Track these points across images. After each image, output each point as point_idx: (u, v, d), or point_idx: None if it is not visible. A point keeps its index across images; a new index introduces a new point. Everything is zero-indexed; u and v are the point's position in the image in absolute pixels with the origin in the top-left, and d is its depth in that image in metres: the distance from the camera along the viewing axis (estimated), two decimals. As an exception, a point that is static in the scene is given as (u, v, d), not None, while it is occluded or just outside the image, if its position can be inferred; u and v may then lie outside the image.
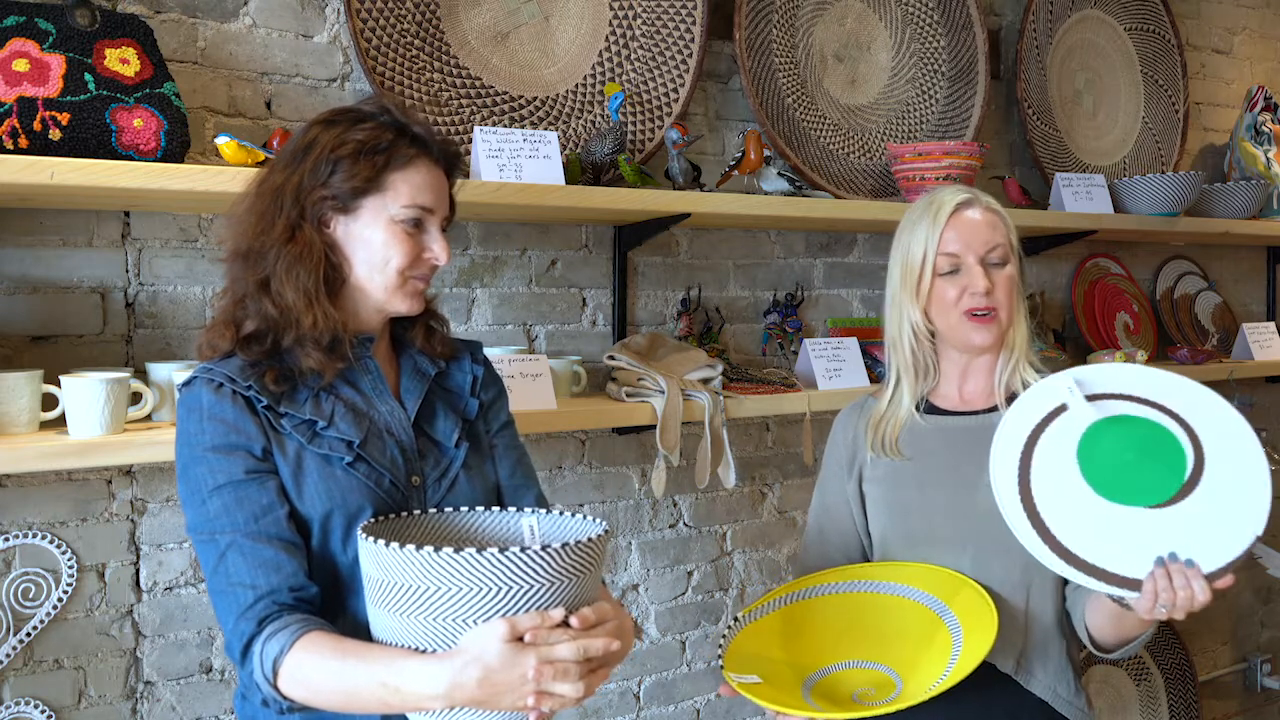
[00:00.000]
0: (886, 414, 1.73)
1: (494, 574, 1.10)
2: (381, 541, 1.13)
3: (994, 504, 1.57)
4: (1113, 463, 1.36)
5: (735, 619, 1.62)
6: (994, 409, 1.68)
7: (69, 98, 1.63)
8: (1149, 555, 1.34)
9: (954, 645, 1.51)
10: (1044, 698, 1.61)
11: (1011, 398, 1.68)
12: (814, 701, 1.50)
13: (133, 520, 1.88)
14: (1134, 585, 1.35)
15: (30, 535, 1.80)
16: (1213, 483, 1.35)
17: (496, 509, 1.36)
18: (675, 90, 2.41)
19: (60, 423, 1.64)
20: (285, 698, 1.18)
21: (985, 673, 1.60)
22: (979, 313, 1.63)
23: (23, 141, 1.59)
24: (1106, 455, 1.36)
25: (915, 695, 1.41)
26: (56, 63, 1.65)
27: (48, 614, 1.81)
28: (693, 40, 2.42)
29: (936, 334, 1.70)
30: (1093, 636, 1.57)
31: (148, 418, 1.74)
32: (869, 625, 1.61)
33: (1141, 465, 1.36)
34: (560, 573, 1.13)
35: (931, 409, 1.72)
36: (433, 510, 1.34)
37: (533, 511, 1.35)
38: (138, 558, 1.89)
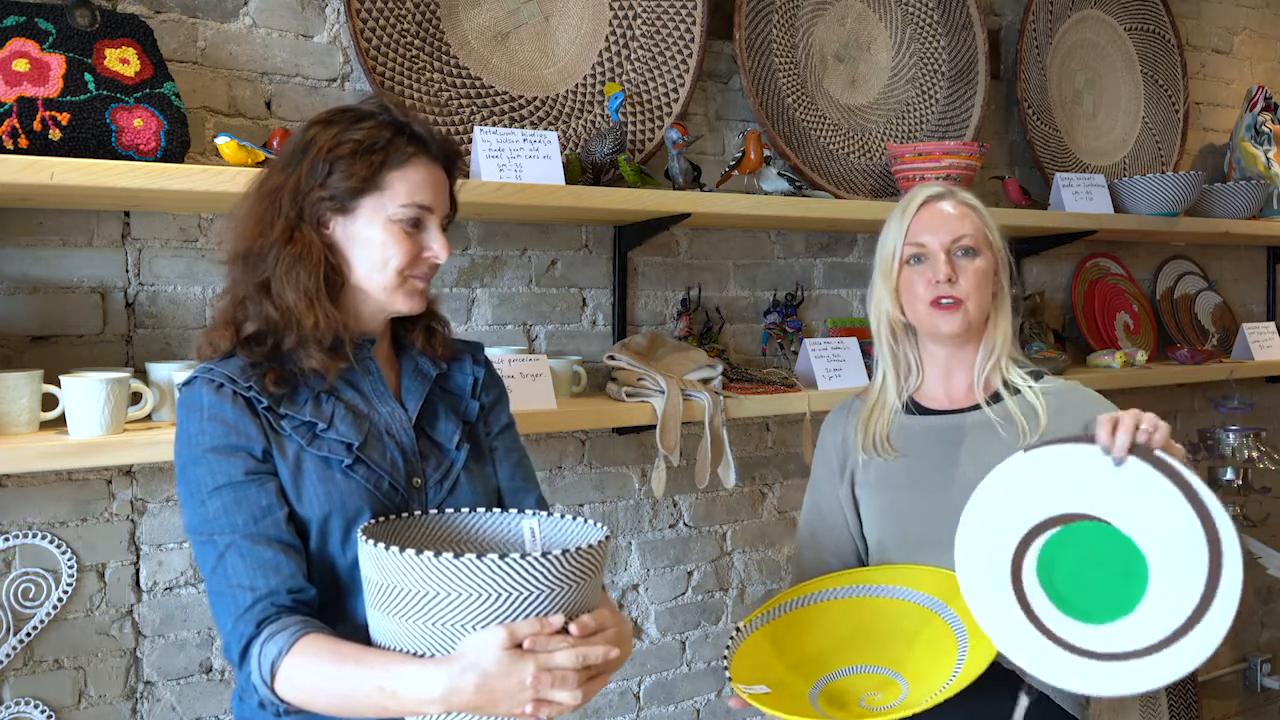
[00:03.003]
0: (874, 411, 1.73)
1: (493, 580, 1.10)
2: (381, 545, 1.13)
3: None
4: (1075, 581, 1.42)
5: (737, 629, 1.61)
6: (976, 407, 1.70)
7: (69, 98, 1.63)
8: None
9: (959, 645, 1.50)
10: (1046, 692, 1.62)
11: (994, 396, 1.70)
12: (822, 708, 1.50)
13: (133, 520, 1.88)
14: None
15: (30, 535, 1.80)
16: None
17: (497, 511, 1.35)
18: (675, 90, 2.41)
19: (60, 423, 1.64)
20: (282, 700, 1.18)
21: (991, 673, 1.60)
22: (944, 301, 1.65)
23: (23, 141, 1.59)
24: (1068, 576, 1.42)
25: (923, 699, 1.41)
26: (56, 63, 1.65)
27: (48, 614, 1.81)
28: (693, 40, 2.42)
29: (913, 328, 1.72)
30: None
31: (148, 418, 1.74)
32: (871, 629, 1.61)
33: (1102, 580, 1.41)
34: (560, 579, 1.12)
35: (920, 409, 1.73)
36: (433, 511, 1.34)
37: (533, 514, 1.35)
38: (138, 558, 1.89)
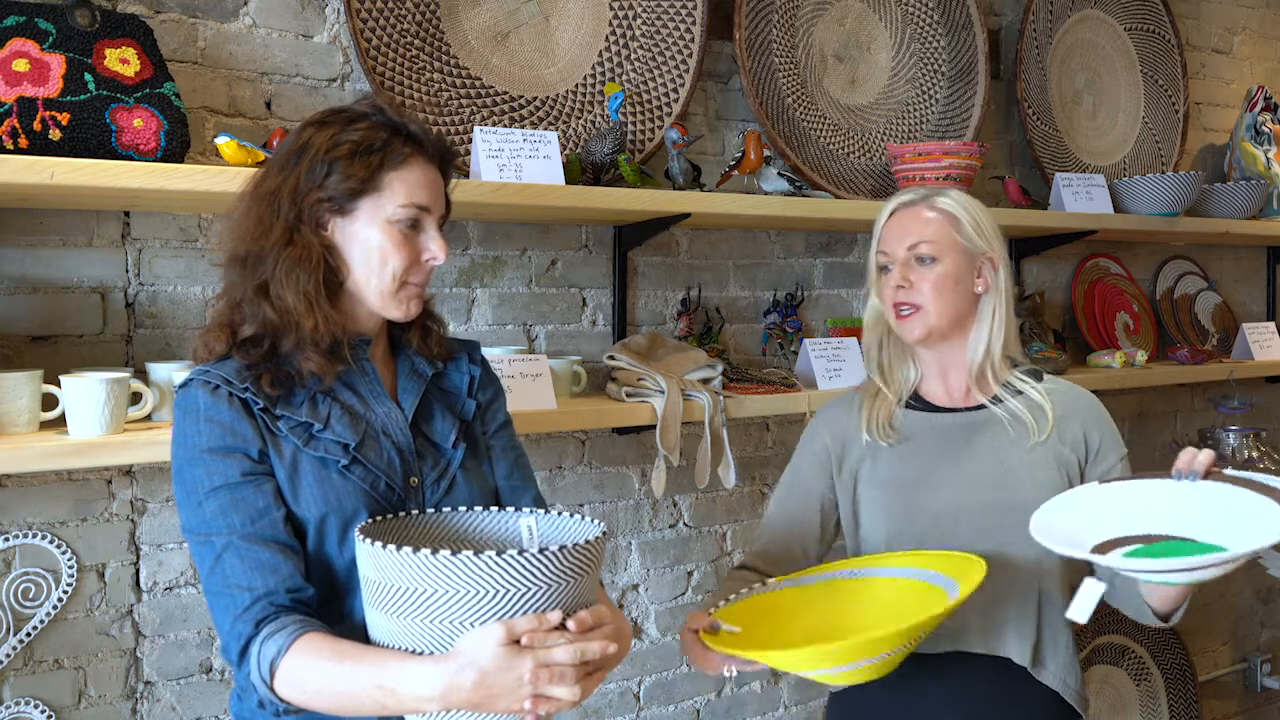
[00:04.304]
0: (878, 399, 1.75)
1: (491, 577, 1.10)
2: (379, 544, 1.13)
3: (1003, 501, 1.58)
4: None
5: (747, 589, 1.61)
6: (982, 406, 1.70)
7: (69, 98, 1.63)
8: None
9: (949, 597, 1.48)
10: (1055, 688, 1.63)
11: (993, 399, 1.70)
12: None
13: (133, 520, 1.88)
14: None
15: (30, 535, 1.80)
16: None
17: (494, 509, 1.35)
18: (675, 90, 2.41)
19: (60, 423, 1.64)
20: (281, 699, 1.18)
21: (1000, 666, 1.62)
22: (902, 309, 1.68)
23: (23, 141, 1.59)
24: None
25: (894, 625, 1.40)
26: (56, 63, 1.65)
27: (48, 614, 1.81)
28: (693, 40, 2.42)
29: None
30: (1154, 608, 1.59)
31: (148, 418, 1.74)
32: (867, 604, 1.60)
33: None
34: (557, 575, 1.12)
35: (925, 405, 1.74)
36: (430, 510, 1.34)
37: (530, 512, 1.35)
38: (138, 558, 1.89)
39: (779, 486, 1.83)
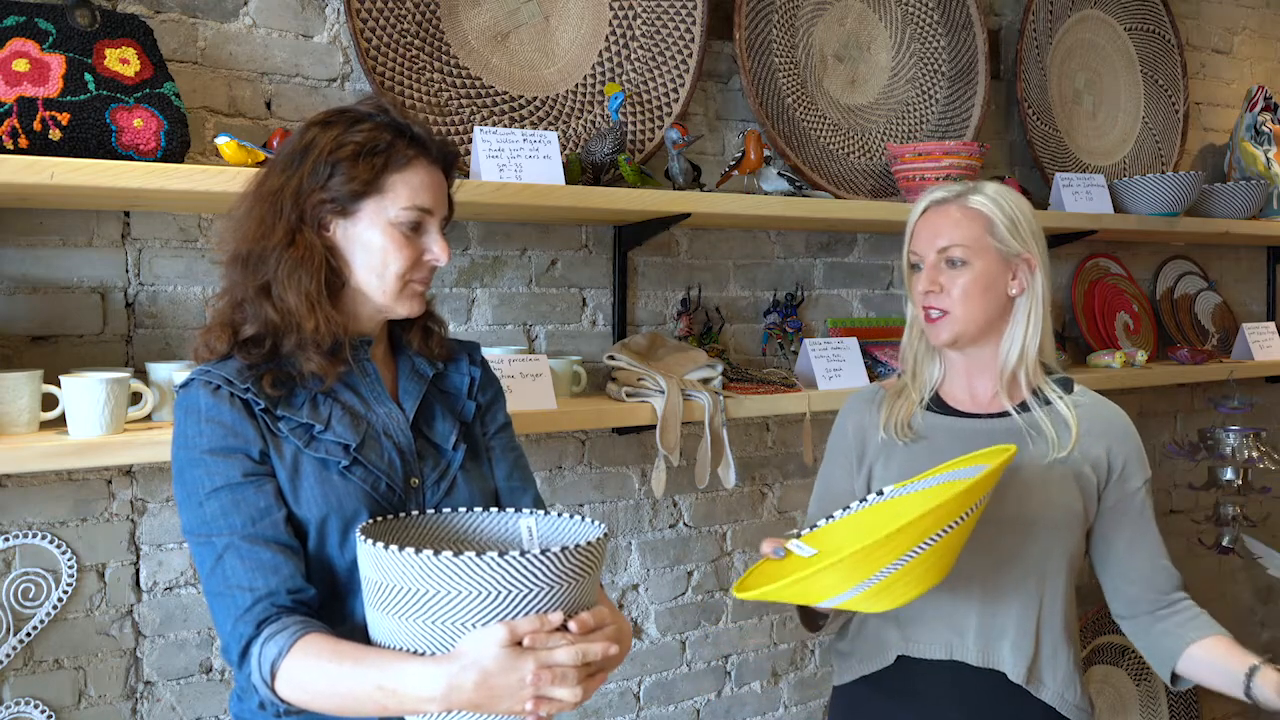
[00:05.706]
0: (902, 397, 1.72)
1: (493, 578, 1.10)
2: (380, 544, 1.13)
3: (1015, 514, 1.56)
4: None
5: (826, 518, 1.60)
6: (1006, 414, 1.66)
7: (69, 98, 1.63)
8: None
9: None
10: (1053, 704, 1.61)
11: (1021, 405, 1.66)
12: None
13: (133, 520, 1.88)
14: None
15: (30, 535, 1.80)
16: None
17: (494, 510, 1.36)
18: (675, 90, 2.41)
19: (60, 423, 1.64)
20: (282, 700, 1.18)
21: (997, 683, 1.60)
22: (931, 312, 1.64)
23: (23, 141, 1.59)
24: None
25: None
26: (56, 63, 1.65)
27: (48, 614, 1.81)
28: (693, 40, 2.42)
29: None
30: (1179, 675, 1.63)
31: (148, 418, 1.74)
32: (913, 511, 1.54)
33: None
34: (559, 577, 1.12)
35: (945, 408, 1.70)
36: (431, 511, 1.34)
37: (530, 513, 1.35)
38: (138, 558, 1.89)
39: (816, 494, 1.81)
